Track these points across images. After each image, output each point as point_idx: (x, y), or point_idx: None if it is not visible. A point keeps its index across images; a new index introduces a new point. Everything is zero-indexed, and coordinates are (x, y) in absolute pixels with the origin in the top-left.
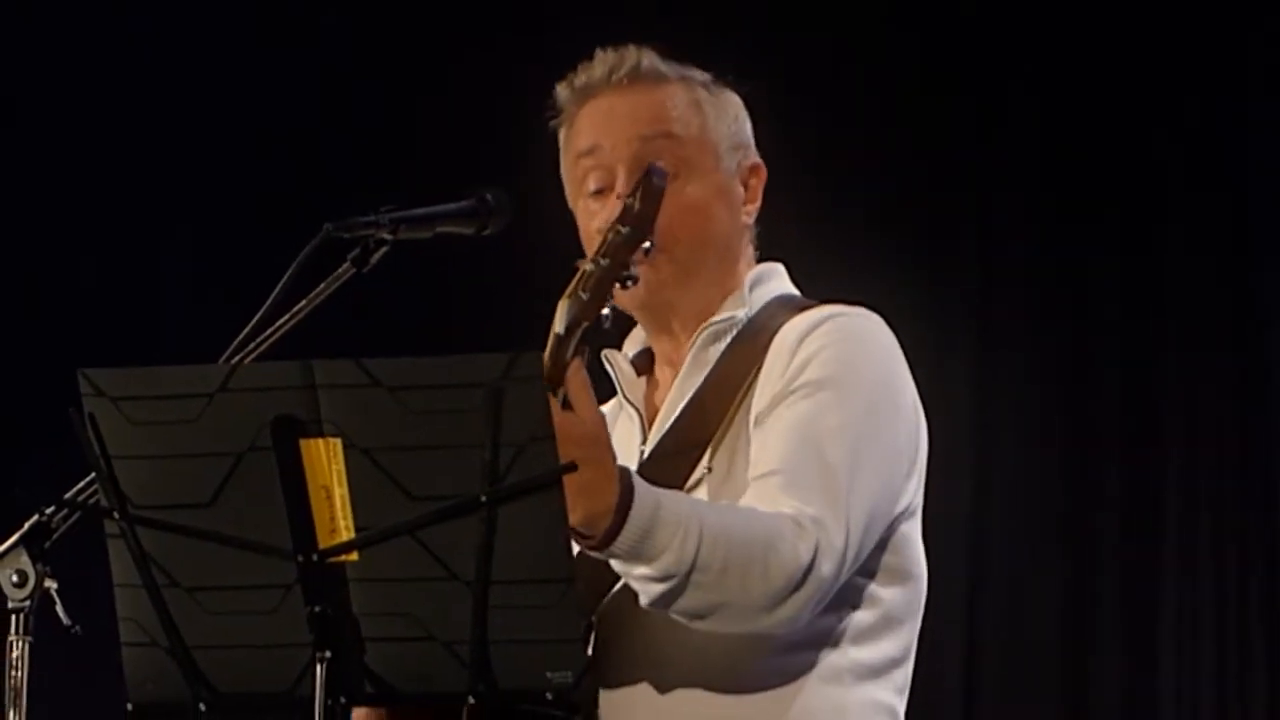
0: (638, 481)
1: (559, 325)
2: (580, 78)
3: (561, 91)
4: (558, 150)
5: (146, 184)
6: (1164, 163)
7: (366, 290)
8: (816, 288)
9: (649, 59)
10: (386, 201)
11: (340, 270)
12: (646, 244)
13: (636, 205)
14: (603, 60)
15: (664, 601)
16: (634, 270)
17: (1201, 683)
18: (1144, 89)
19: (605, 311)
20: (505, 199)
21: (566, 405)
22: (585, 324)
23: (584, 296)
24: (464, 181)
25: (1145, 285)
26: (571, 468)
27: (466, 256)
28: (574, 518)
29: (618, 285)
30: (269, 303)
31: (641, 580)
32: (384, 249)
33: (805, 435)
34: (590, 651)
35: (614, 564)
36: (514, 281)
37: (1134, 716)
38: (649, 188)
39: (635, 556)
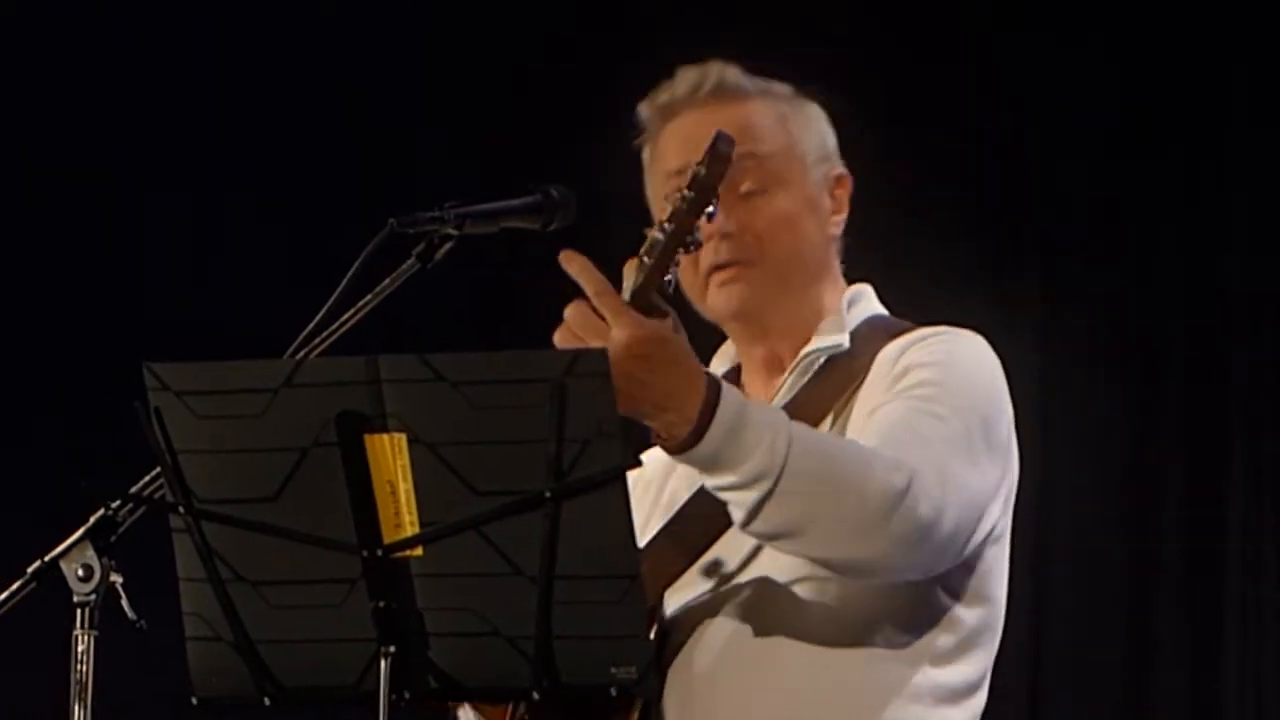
0: (725, 384)
1: (625, 289)
2: (663, 95)
3: (644, 109)
4: (617, 147)
5: (205, 169)
6: (1229, 139)
7: (430, 285)
8: (863, 270)
9: (732, 75)
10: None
11: (405, 266)
12: (710, 208)
13: (703, 171)
14: (685, 78)
15: (753, 513)
16: (698, 235)
17: (1265, 683)
18: (1206, 67)
19: (669, 277)
20: (569, 195)
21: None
22: (650, 289)
23: (648, 261)
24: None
25: (1211, 290)
26: (637, 463)
27: (532, 252)
28: (656, 422)
29: (681, 250)
30: (334, 298)
31: (730, 490)
32: (449, 244)
33: (905, 421)
34: (652, 642)
35: (704, 478)
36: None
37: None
38: (716, 154)
39: (720, 460)
